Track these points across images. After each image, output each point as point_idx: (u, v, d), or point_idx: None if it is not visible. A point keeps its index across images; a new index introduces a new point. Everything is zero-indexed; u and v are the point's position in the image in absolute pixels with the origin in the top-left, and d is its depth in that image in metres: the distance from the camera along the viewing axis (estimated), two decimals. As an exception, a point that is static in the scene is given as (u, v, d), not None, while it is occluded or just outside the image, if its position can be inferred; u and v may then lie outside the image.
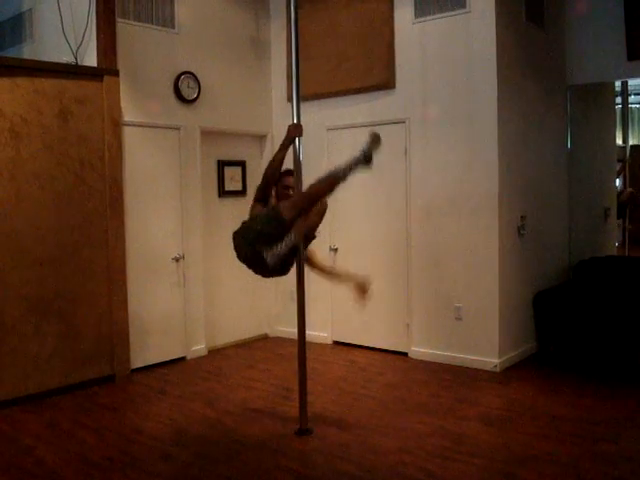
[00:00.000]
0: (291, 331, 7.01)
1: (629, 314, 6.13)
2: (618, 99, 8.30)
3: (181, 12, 6.84)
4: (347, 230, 7.21)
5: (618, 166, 8.22)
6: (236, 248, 4.50)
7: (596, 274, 7.04)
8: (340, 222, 7.23)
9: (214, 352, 7.20)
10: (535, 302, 6.80)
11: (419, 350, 6.72)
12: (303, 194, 4.48)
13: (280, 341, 7.66)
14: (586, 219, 7.92)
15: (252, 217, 4.54)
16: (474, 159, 6.26)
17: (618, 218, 8.16)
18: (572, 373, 6.12)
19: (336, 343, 7.40)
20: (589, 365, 6.30)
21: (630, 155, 8.07)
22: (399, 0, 6.67)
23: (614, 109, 8.44)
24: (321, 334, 7.39)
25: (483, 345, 6.27)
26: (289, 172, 4.70)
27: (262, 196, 4.65)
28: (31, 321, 5.60)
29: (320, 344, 7.29)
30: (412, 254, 6.73)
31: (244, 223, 4.53)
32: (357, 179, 7.03)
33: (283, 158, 4.62)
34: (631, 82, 7.93)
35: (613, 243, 8.41)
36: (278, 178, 4.67)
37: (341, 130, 7.17)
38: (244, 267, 4.56)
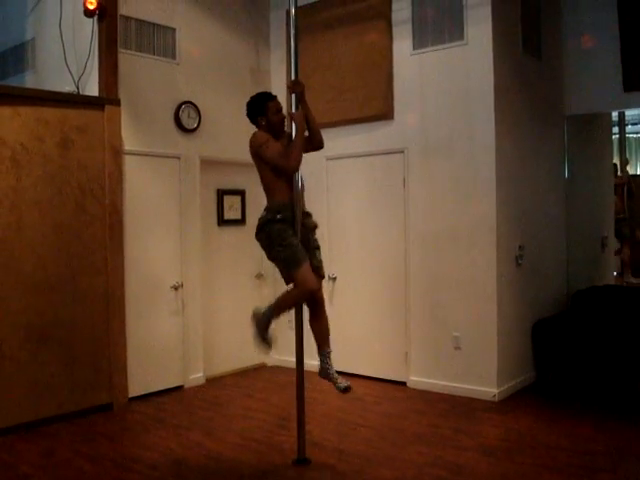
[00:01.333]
0: (289, 360, 6.97)
1: (627, 343, 6.13)
2: (615, 129, 8.37)
3: (182, 43, 6.93)
4: (346, 259, 7.22)
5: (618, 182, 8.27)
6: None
7: (594, 303, 7.04)
8: (339, 251, 7.25)
9: (212, 381, 7.17)
10: (534, 331, 6.80)
11: (417, 379, 6.70)
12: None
13: (278, 370, 7.63)
14: (584, 248, 7.94)
15: (281, 241, 4.43)
16: (472, 189, 6.30)
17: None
18: (571, 403, 6.10)
19: (334, 372, 7.37)
20: (588, 395, 6.28)
21: (628, 186, 8.13)
22: (397, 32, 6.76)
23: (611, 139, 8.51)
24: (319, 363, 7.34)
25: (482, 375, 6.26)
26: (273, 96, 4.65)
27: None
28: (29, 348, 5.58)
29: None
30: (410, 283, 6.74)
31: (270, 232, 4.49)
32: (355, 209, 7.11)
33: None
34: (628, 112, 8.00)
35: (611, 273, 8.43)
36: (264, 108, 4.56)
37: (340, 160, 7.23)
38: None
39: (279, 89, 7.70)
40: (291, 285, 4.51)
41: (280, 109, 4.62)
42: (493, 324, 6.20)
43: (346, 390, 4.59)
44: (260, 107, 4.57)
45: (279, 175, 4.46)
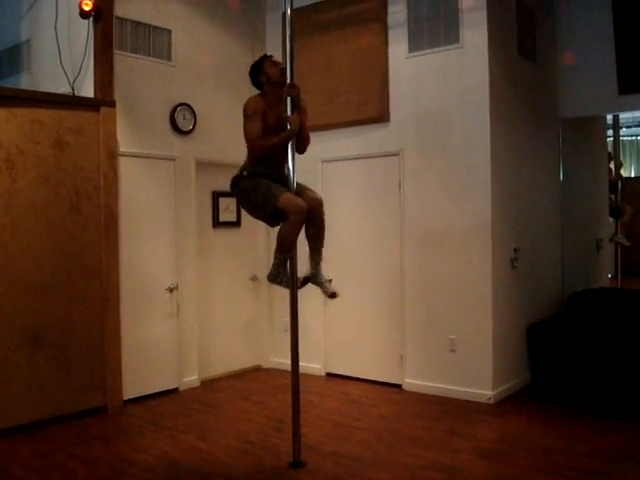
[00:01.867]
0: (284, 362, 6.97)
1: (622, 346, 6.14)
2: (609, 131, 8.38)
3: (178, 44, 6.92)
4: (341, 262, 7.21)
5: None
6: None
7: (589, 306, 7.05)
8: (334, 254, 7.23)
9: (207, 383, 7.16)
10: (529, 334, 6.81)
11: (413, 382, 6.70)
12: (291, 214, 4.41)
13: (273, 372, 7.62)
14: (578, 250, 7.96)
15: (254, 189, 4.46)
16: (467, 191, 6.31)
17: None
18: (566, 405, 6.10)
19: (329, 375, 7.37)
20: (583, 397, 6.29)
21: (621, 188, 8.14)
22: (393, 35, 6.77)
23: (605, 142, 8.53)
24: (314, 366, 7.35)
25: (477, 377, 6.26)
26: (268, 55, 4.69)
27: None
28: (23, 350, 5.56)
29: (313, 376, 7.26)
30: (406, 286, 6.75)
31: (246, 179, 4.52)
32: (351, 211, 7.11)
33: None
34: (622, 115, 8.02)
35: (606, 274, 8.44)
36: (262, 66, 4.58)
37: (335, 162, 7.23)
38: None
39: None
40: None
41: (276, 62, 4.63)
42: (488, 327, 6.21)
43: (333, 296, 4.61)
44: (258, 67, 4.61)
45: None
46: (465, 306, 6.33)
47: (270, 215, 4.47)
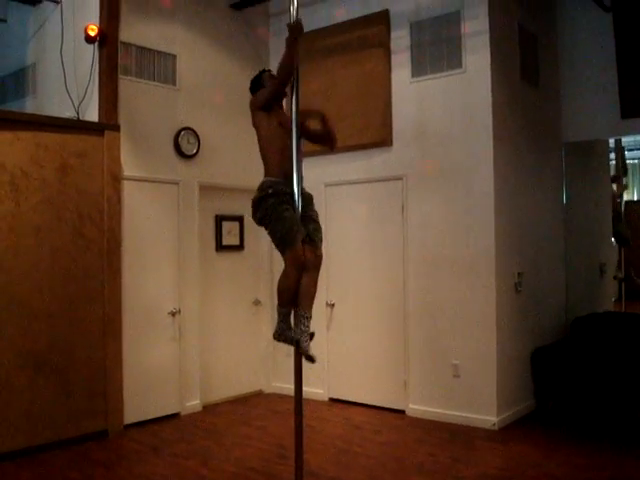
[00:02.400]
0: (287, 387, 6.95)
1: (628, 371, 6.09)
2: (612, 155, 8.39)
3: (182, 69, 6.97)
4: (344, 286, 7.20)
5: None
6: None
7: (594, 330, 7.01)
8: (337, 278, 7.23)
9: (209, 408, 7.11)
10: (533, 359, 6.76)
11: (417, 408, 6.64)
12: None
13: (275, 397, 7.57)
14: (582, 274, 7.93)
15: (277, 219, 4.26)
16: (471, 215, 6.30)
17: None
18: (571, 431, 6.04)
19: (332, 400, 7.31)
20: (588, 423, 6.23)
21: (625, 211, 8.14)
22: (396, 60, 6.81)
23: (608, 165, 8.53)
24: (317, 391, 7.30)
25: (481, 403, 6.21)
26: (268, 70, 4.65)
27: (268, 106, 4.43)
28: (25, 374, 5.54)
29: (316, 401, 7.21)
30: (409, 310, 6.72)
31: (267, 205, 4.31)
32: (354, 235, 7.10)
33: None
34: (625, 138, 8.03)
35: (610, 299, 8.41)
36: (261, 79, 4.54)
37: (339, 186, 7.24)
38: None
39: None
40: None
41: (274, 76, 4.52)
42: (492, 352, 6.17)
43: (309, 359, 4.23)
44: (258, 80, 4.59)
45: (272, 143, 4.38)
46: (469, 331, 6.30)
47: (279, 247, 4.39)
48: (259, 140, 4.45)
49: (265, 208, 4.33)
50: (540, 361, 6.72)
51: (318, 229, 4.38)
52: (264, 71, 4.67)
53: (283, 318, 4.30)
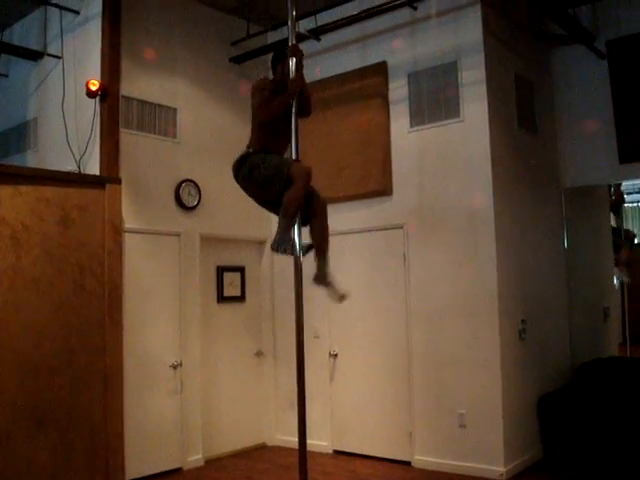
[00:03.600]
0: (290, 440, 6.84)
1: (634, 418, 6.00)
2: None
3: (183, 122, 7.04)
4: (347, 335, 7.15)
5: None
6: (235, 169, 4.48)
7: (599, 376, 6.94)
8: (340, 327, 7.19)
9: (211, 462, 6.98)
10: (539, 406, 6.67)
11: (423, 459, 6.53)
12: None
13: (279, 450, 7.44)
14: (586, 319, 7.87)
15: (263, 161, 4.28)
16: (472, 263, 6.29)
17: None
18: (580, 479, 5.92)
19: (336, 452, 7.19)
20: (597, 471, 6.10)
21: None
22: (394, 110, 6.88)
23: (608, 209, 8.56)
24: (321, 443, 7.18)
25: (488, 452, 6.10)
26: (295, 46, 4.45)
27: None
28: (25, 430, 5.45)
29: (320, 453, 7.08)
30: (413, 359, 6.65)
31: (251, 157, 4.34)
32: (356, 284, 7.07)
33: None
34: (624, 182, 8.07)
35: (615, 343, 8.34)
36: (285, 56, 4.33)
37: (340, 235, 7.20)
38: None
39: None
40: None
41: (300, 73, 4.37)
42: (498, 400, 6.09)
43: (343, 298, 4.41)
44: (281, 55, 4.44)
45: (267, 125, 4.33)
46: (474, 380, 6.22)
47: (282, 188, 4.22)
48: (254, 118, 4.42)
49: (250, 162, 4.33)
50: (547, 409, 6.63)
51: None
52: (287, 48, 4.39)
53: (285, 228, 4.22)
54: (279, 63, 4.46)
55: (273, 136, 4.38)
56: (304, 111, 4.51)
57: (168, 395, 6.65)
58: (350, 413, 7.10)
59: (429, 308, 6.56)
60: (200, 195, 7.09)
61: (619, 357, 7.85)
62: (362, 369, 7.01)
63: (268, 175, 4.26)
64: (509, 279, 6.35)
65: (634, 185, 8.63)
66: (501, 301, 6.17)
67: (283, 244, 4.23)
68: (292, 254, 4.24)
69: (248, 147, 4.45)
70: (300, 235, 4.27)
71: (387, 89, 6.94)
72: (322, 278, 4.46)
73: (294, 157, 4.34)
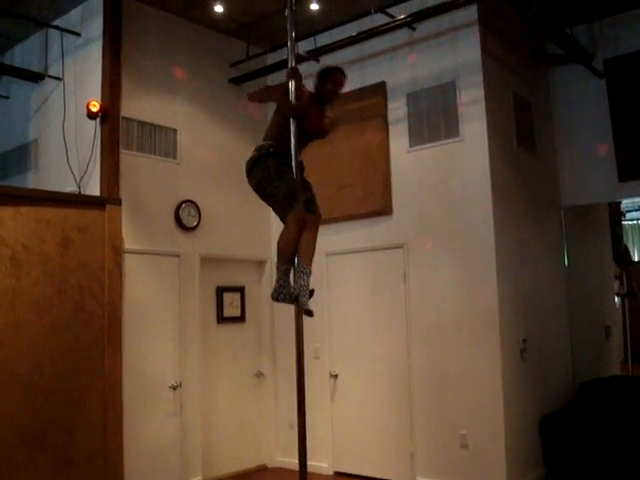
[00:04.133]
0: (290, 461, 6.79)
1: (636, 437, 5.97)
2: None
3: (183, 143, 7.06)
4: (347, 356, 7.12)
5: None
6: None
7: (601, 395, 6.91)
8: (340, 348, 7.16)
9: (211, 484, 6.94)
10: (541, 426, 6.63)
11: (424, 480, 6.49)
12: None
13: (279, 472, 7.39)
14: (587, 338, 7.86)
15: (273, 179, 4.23)
16: (473, 282, 6.28)
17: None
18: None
19: (337, 474, 7.13)
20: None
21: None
22: (394, 130, 6.91)
23: (608, 227, 8.57)
24: (322, 464, 7.13)
25: (491, 473, 6.04)
26: (339, 70, 4.47)
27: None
28: (24, 451, 5.40)
29: (321, 475, 7.03)
30: (414, 380, 6.62)
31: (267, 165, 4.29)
32: (356, 304, 7.06)
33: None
34: (624, 200, 8.09)
35: (616, 361, 8.32)
36: (328, 76, 4.40)
37: (340, 255, 7.23)
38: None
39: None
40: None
41: (338, 82, 4.47)
42: (500, 420, 6.04)
43: (308, 313, 4.11)
44: (326, 74, 4.45)
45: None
46: (475, 400, 6.19)
47: (284, 214, 4.23)
48: (276, 115, 4.47)
49: (266, 168, 4.27)
50: (549, 428, 6.59)
51: (314, 197, 4.43)
52: (336, 71, 4.47)
53: (282, 276, 4.17)
54: (322, 79, 4.46)
55: (283, 136, 4.32)
56: (315, 135, 4.56)
57: (167, 416, 6.62)
58: (351, 434, 7.06)
59: (430, 328, 6.54)
60: (200, 215, 7.09)
61: (620, 376, 7.84)
62: (363, 390, 6.97)
63: (274, 196, 4.24)
64: (510, 298, 6.33)
65: (633, 202, 8.65)
66: (502, 320, 6.15)
67: (283, 291, 4.18)
68: (292, 302, 4.17)
69: (264, 139, 4.42)
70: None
71: (386, 109, 6.98)
72: (291, 294, 4.18)
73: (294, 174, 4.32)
